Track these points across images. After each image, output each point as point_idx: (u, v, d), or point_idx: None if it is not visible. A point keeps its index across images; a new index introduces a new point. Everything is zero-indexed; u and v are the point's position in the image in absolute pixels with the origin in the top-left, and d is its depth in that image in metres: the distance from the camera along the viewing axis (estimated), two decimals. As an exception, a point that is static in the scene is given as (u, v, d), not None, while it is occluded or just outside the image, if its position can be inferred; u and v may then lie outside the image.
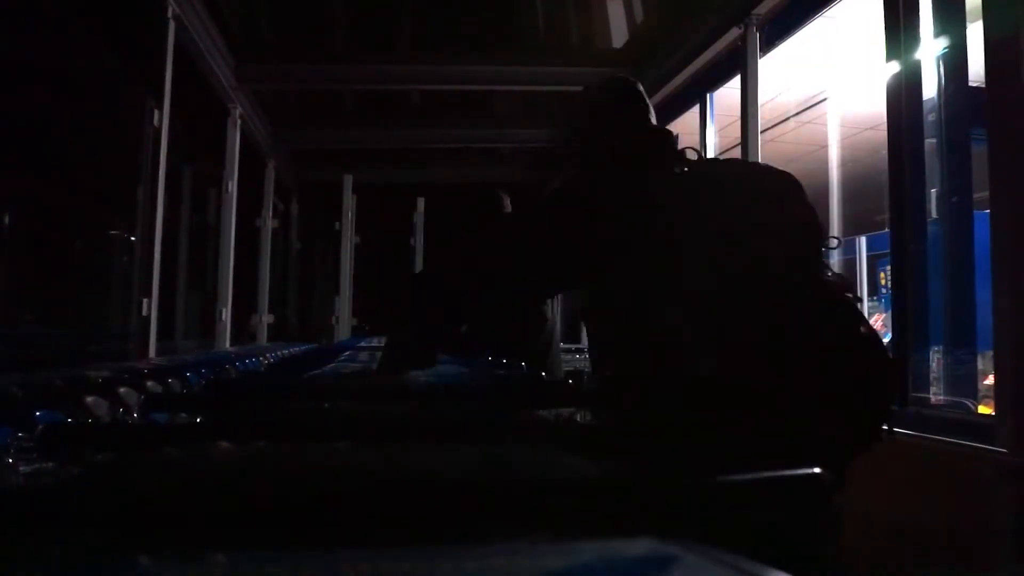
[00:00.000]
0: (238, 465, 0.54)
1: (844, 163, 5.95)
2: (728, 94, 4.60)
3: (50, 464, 0.90)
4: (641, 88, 1.75)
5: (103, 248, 3.86)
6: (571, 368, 3.36)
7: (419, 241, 7.03)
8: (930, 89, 2.90)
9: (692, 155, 1.64)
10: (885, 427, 1.44)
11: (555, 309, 3.16)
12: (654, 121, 1.70)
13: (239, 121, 5.37)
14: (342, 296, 6.61)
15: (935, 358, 2.83)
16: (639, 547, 0.41)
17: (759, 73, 4.00)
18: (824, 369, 1.37)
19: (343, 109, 6.70)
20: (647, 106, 1.71)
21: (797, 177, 1.56)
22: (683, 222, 1.46)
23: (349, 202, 6.53)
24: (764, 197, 1.54)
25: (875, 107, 3.40)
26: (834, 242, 1.96)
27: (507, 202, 3.07)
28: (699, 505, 0.48)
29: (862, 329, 1.46)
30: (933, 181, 2.88)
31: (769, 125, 5.28)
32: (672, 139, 1.72)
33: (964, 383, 2.74)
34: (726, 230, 1.43)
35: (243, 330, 6.08)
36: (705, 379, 1.32)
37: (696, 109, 5.05)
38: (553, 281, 1.73)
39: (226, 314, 5.18)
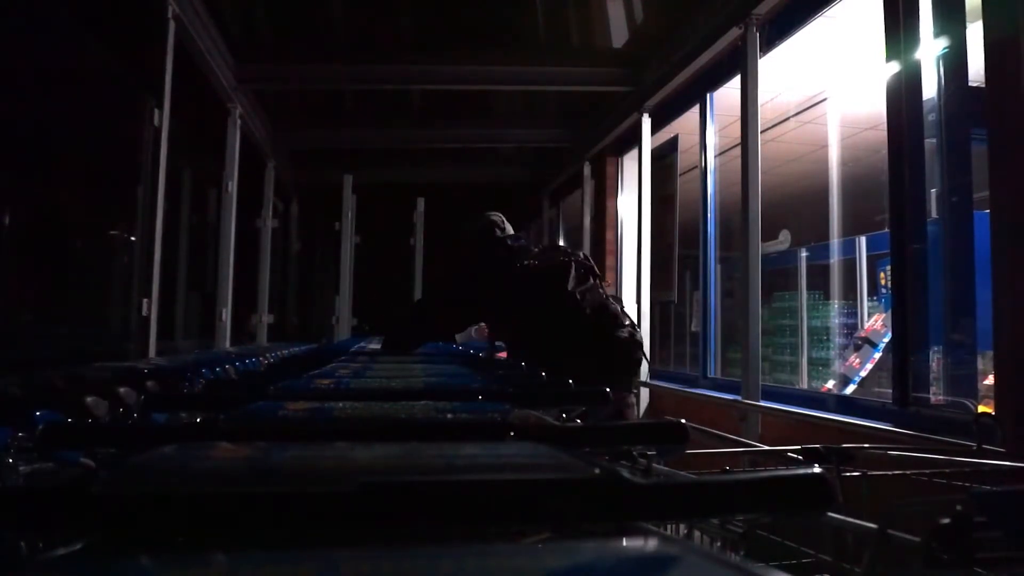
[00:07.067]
0: (238, 465, 0.54)
1: (844, 163, 5.95)
2: (728, 94, 4.60)
3: (50, 464, 0.90)
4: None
5: (103, 248, 3.86)
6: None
7: (419, 241, 7.02)
8: (930, 89, 2.90)
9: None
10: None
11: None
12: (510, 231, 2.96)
13: (239, 121, 5.38)
14: (342, 296, 6.60)
15: (935, 358, 2.83)
16: (639, 547, 0.41)
17: (759, 73, 4.00)
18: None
19: (343, 109, 6.70)
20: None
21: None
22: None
23: (349, 202, 6.52)
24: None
25: (875, 107, 3.40)
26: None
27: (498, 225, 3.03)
28: (699, 505, 0.48)
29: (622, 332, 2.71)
30: (933, 181, 2.88)
31: (769, 125, 5.28)
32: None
33: (964, 383, 2.74)
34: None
35: (243, 330, 6.08)
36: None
37: (696, 109, 5.06)
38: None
39: (226, 314, 5.18)
